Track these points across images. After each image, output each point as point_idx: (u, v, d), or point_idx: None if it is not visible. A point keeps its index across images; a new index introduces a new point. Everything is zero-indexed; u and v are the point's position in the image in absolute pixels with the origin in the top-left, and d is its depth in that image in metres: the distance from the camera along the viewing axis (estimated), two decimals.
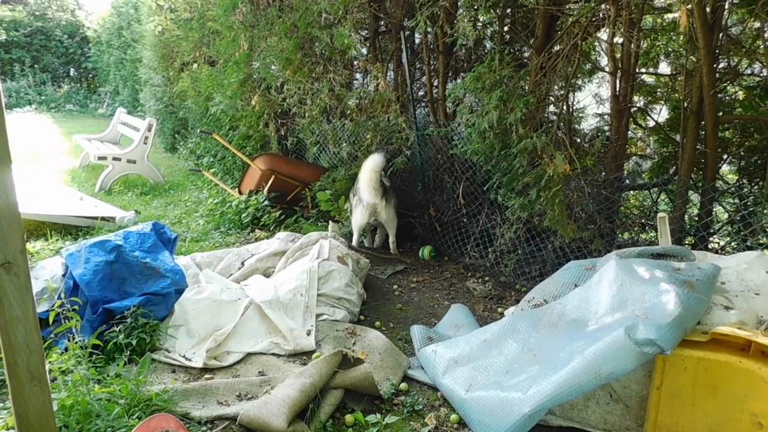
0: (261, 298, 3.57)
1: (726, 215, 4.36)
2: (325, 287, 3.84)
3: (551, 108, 4.82)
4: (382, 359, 3.20)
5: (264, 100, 6.57)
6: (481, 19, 5.26)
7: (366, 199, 5.03)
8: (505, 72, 4.04)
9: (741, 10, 4.10)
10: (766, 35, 4.00)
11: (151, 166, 8.03)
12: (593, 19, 4.02)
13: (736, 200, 4.29)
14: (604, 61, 4.95)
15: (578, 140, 4.83)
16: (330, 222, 5.12)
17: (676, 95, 4.59)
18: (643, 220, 4.63)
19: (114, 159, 7.62)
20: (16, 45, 18.73)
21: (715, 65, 3.82)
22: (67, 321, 2.70)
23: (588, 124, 5.14)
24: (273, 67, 6.37)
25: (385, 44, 6.25)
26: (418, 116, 5.52)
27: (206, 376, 3.04)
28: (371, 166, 4.88)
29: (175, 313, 3.41)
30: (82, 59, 20.01)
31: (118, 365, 2.82)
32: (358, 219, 5.24)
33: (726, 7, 3.83)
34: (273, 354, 3.30)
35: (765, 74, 4.36)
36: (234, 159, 7.81)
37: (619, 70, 4.28)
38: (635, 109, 4.79)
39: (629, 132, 4.70)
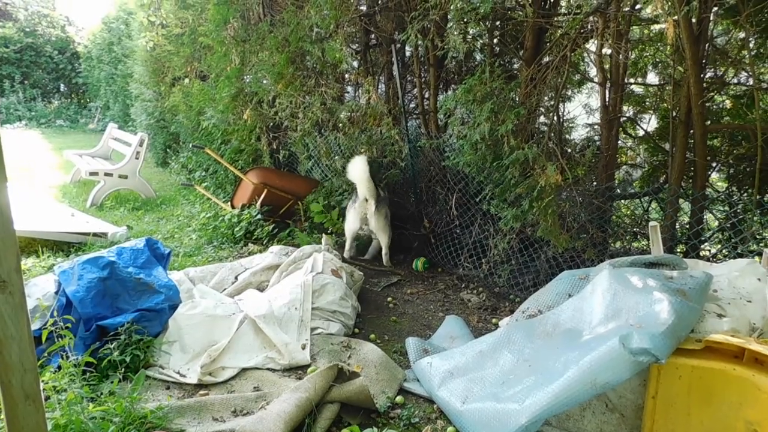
0: (255, 313, 3.56)
1: (716, 223, 4.40)
2: (320, 300, 3.83)
3: (542, 119, 4.86)
4: (377, 372, 3.19)
5: (256, 114, 6.58)
6: (470, 32, 5.29)
7: (362, 194, 5.07)
8: (495, 84, 4.08)
9: (726, 20, 4.16)
10: (751, 45, 4.05)
11: (143, 181, 8.01)
12: (582, 31, 4.07)
13: (726, 208, 4.33)
14: (593, 72, 5.00)
15: (569, 150, 4.86)
16: (323, 235, 5.12)
17: (665, 105, 4.64)
18: (634, 229, 4.65)
19: (105, 174, 7.60)
20: (6, 61, 18.72)
21: (702, 75, 3.87)
22: (60, 339, 2.68)
23: (578, 135, 5.18)
24: (264, 81, 6.39)
25: (376, 57, 6.28)
26: (410, 128, 5.55)
27: (201, 392, 3.02)
28: (359, 161, 4.98)
29: (169, 329, 3.39)
30: (72, 75, 20.00)
31: (112, 383, 2.81)
32: (351, 224, 5.28)
33: (711, 18, 3.88)
34: (268, 369, 3.28)
35: (751, 83, 4.42)
36: (226, 173, 7.81)
37: (608, 81, 4.32)
38: (625, 118, 4.83)
39: (619, 141, 4.73)
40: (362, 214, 5.16)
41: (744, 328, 2.48)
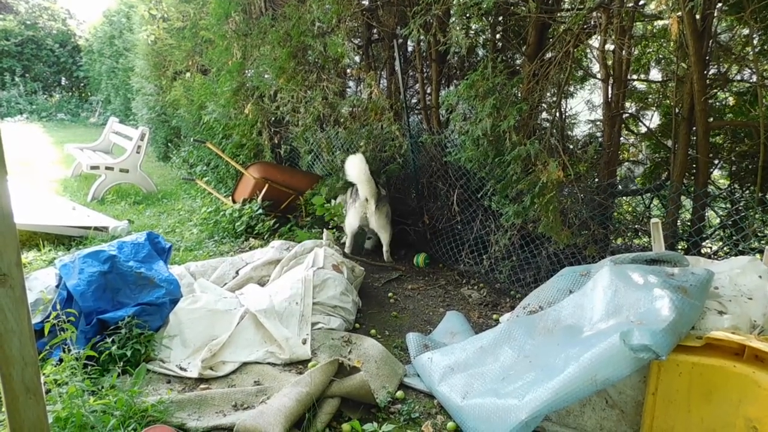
0: (256, 307, 3.56)
1: (718, 220, 4.39)
2: (321, 295, 3.83)
3: (544, 115, 4.84)
4: (378, 367, 3.19)
5: (257, 109, 6.57)
6: (473, 27, 5.28)
7: (362, 194, 5.06)
8: (498, 79, 4.06)
9: (730, 17, 4.14)
10: (754, 42, 4.04)
11: (144, 175, 8.01)
12: (585, 26, 4.05)
13: (728, 205, 4.32)
14: (595, 68, 4.98)
15: (571, 147, 4.85)
16: (324, 230, 5.12)
17: (668, 101, 4.63)
18: (636, 226, 4.65)
19: (106, 168, 7.59)
20: (6, 54, 18.67)
21: (705, 72, 3.85)
22: (61, 332, 2.69)
23: (581, 131, 5.17)
24: (266, 76, 6.38)
25: (378, 52, 6.27)
26: (412, 124, 5.54)
27: (202, 386, 3.02)
28: (357, 160, 4.95)
29: (170, 323, 3.40)
30: (73, 68, 19.96)
31: (112, 376, 2.81)
32: (351, 221, 5.28)
33: (715, 14, 3.86)
34: (269, 363, 3.29)
35: (754, 80, 4.40)
36: (227, 167, 7.80)
37: (610, 77, 4.31)
38: (627, 115, 4.82)
39: (621, 138, 4.72)
40: (362, 214, 5.16)
41: (745, 326, 2.48)
